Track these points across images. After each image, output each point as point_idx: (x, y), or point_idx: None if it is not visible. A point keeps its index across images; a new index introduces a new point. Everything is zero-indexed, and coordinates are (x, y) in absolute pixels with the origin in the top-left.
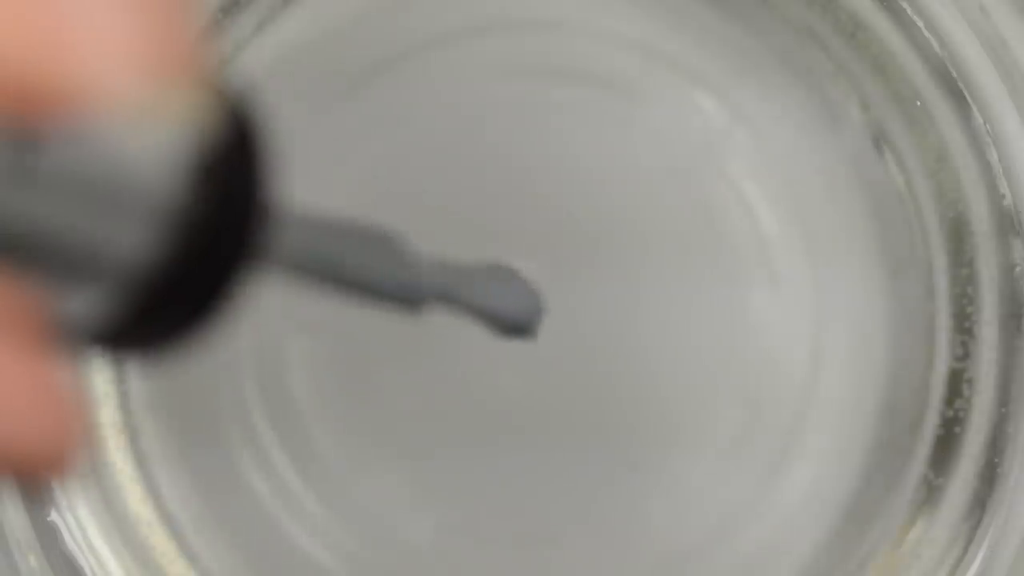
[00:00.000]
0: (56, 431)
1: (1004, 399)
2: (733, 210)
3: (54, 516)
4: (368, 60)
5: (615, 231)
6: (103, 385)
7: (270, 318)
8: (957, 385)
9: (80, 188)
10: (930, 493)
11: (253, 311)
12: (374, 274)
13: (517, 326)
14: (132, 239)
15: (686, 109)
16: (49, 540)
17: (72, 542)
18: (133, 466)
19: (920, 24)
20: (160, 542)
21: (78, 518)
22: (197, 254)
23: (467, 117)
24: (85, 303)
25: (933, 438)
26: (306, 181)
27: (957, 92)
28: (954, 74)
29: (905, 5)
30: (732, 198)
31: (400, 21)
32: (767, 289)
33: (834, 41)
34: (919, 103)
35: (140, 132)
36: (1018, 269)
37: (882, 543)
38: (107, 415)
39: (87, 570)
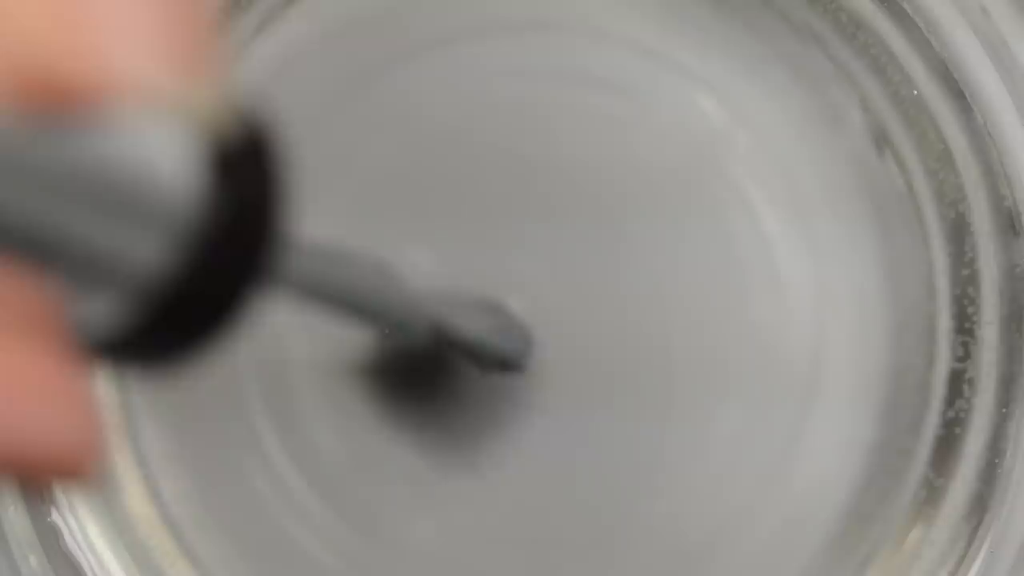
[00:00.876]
0: (75, 436)
1: (1005, 400)
2: (733, 210)
3: (55, 516)
4: (368, 61)
5: (615, 231)
6: (104, 385)
7: (271, 319)
8: (958, 385)
9: (98, 185)
10: (931, 493)
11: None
12: (376, 302)
13: (507, 361)
14: (146, 240)
15: (686, 109)
16: (50, 540)
17: (73, 542)
18: (134, 466)
19: (920, 24)
20: (161, 542)
21: (79, 518)
22: (212, 259)
23: (467, 117)
24: (95, 310)
25: (933, 438)
26: (307, 182)
27: (957, 92)
28: (954, 74)
29: (905, 5)
30: (732, 198)
31: (400, 22)
32: (767, 289)
33: (834, 41)
34: (919, 103)
35: (161, 128)
36: (1019, 270)
37: (883, 543)
38: (108, 415)
39: (87, 570)
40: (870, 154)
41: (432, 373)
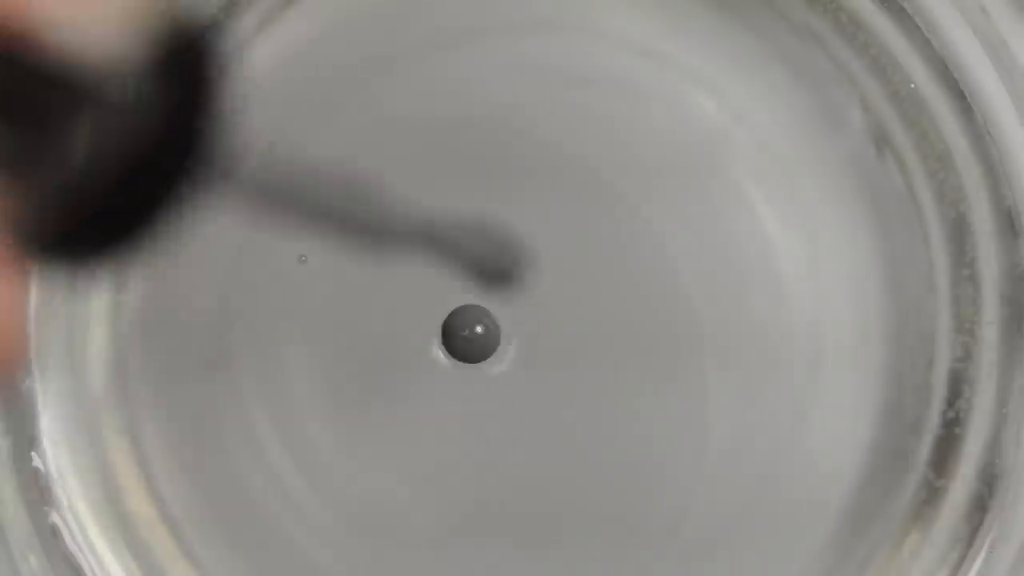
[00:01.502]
0: None
1: (1004, 400)
2: (733, 210)
3: (55, 516)
4: (368, 61)
5: (615, 231)
6: (104, 387)
7: (270, 319)
8: (957, 386)
9: (34, 89)
10: (931, 494)
11: (253, 311)
12: (348, 212)
13: (495, 273)
14: (77, 133)
15: (686, 109)
16: (50, 540)
17: (73, 542)
18: (134, 466)
19: (920, 24)
20: (161, 542)
21: (79, 518)
22: (140, 153)
23: (467, 117)
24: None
25: (933, 439)
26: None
27: (957, 92)
28: (954, 74)
29: (905, 5)
30: (732, 198)
31: (400, 22)
32: (767, 289)
33: (834, 41)
34: (919, 103)
35: (94, 34)
36: (1019, 270)
37: (882, 544)
38: (108, 416)
39: (87, 570)
40: (870, 154)
41: (431, 371)
